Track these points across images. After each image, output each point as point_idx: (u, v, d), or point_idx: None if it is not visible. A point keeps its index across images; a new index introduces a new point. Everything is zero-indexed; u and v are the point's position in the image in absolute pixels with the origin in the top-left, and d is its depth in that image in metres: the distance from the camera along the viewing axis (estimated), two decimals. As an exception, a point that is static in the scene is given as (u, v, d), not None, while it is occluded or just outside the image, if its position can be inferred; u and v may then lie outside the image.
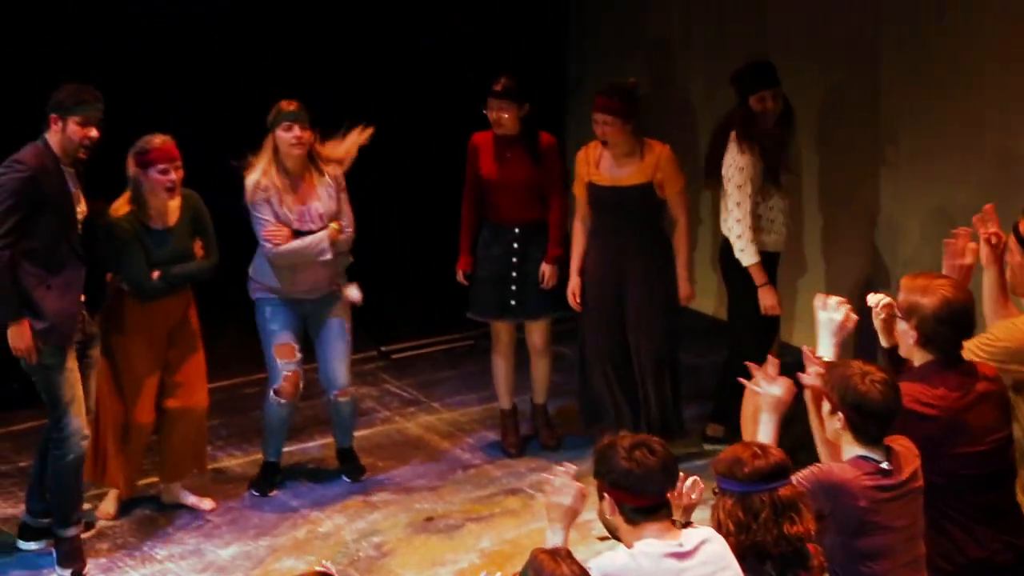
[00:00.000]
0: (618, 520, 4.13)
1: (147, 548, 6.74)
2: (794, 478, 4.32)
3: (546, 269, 7.34)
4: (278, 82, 7.46)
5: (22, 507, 6.80)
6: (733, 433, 7.16)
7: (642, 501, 4.08)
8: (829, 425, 4.61)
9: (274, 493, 7.22)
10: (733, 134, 7.17)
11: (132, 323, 6.69)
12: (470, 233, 7.41)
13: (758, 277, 7.21)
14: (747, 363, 4.81)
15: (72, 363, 6.35)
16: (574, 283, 7.27)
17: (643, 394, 7.34)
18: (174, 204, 6.65)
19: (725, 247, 7.31)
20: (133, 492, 7.00)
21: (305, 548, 6.75)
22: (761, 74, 7.25)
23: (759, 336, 7.25)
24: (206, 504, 7.05)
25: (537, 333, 7.52)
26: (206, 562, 6.64)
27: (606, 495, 4.12)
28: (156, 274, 6.61)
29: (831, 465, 4.58)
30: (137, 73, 8.51)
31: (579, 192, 7.29)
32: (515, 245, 7.35)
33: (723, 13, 8.87)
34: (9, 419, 7.70)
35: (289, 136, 6.83)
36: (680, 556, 4.07)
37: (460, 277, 7.44)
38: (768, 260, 7.29)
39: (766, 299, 7.24)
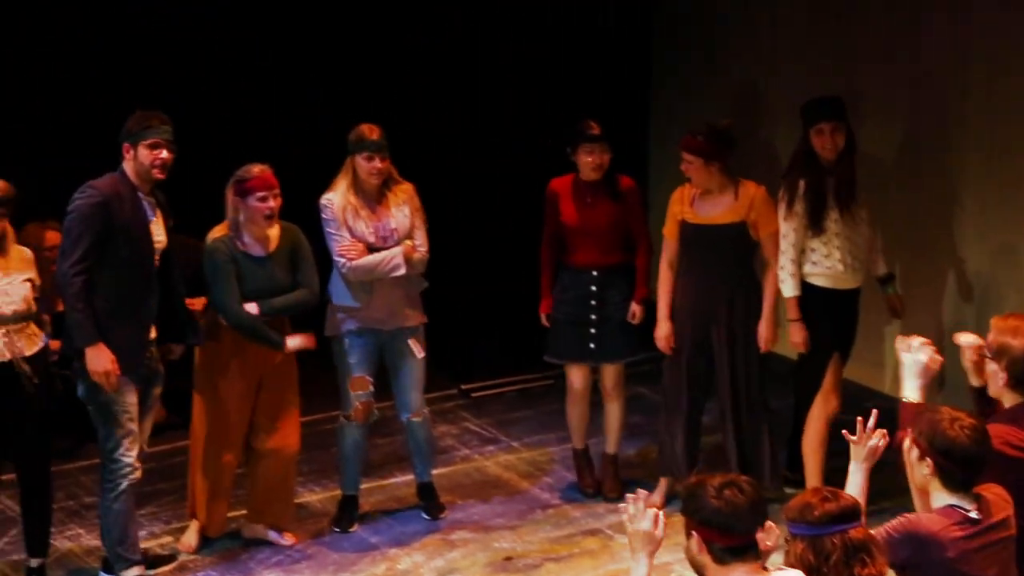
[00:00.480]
0: (706, 559, 4.10)
1: (227, 582, 6.80)
2: (882, 527, 4.28)
3: (636, 309, 7.32)
4: (358, 111, 7.50)
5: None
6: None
7: (731, 540, 4.05)
8: (918, 471, 4.57)
9: (354, 529, 7.25)
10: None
11: (227, 358, 6.75)
12: (551, 276, 7.42)
13: (791, 311, 7.17)
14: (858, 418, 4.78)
15: (132, 397, 6.38)
16: (666, 328, 7.23)
17: (733, 440, 7.29)
18: (273, 233, 6.71)
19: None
20: (222, 529, 7.03)
21: (384, 585, 6.78)
22: (822, 106, 7.19)
23: (810, 375, 7.22)
24: (287, 540, 7.08)
25: (610, 376, 7.50)
26: (285, 597, 6.69)
27: (694, 533, 4.09)
28: (254, 307, 6.65)
29: (920, 515, 4.54)
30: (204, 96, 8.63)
31: (669, 233, 7.26)
32: (594, 288, 7.34)
33: (809, 53, 8.86)
34: (93, 452, 7.76)
35: (369, 166, 6.91)
36: None
37: (544, 320, 7.45)
38: (819, 296, 7.20)
39: (794, 335, 7.19)
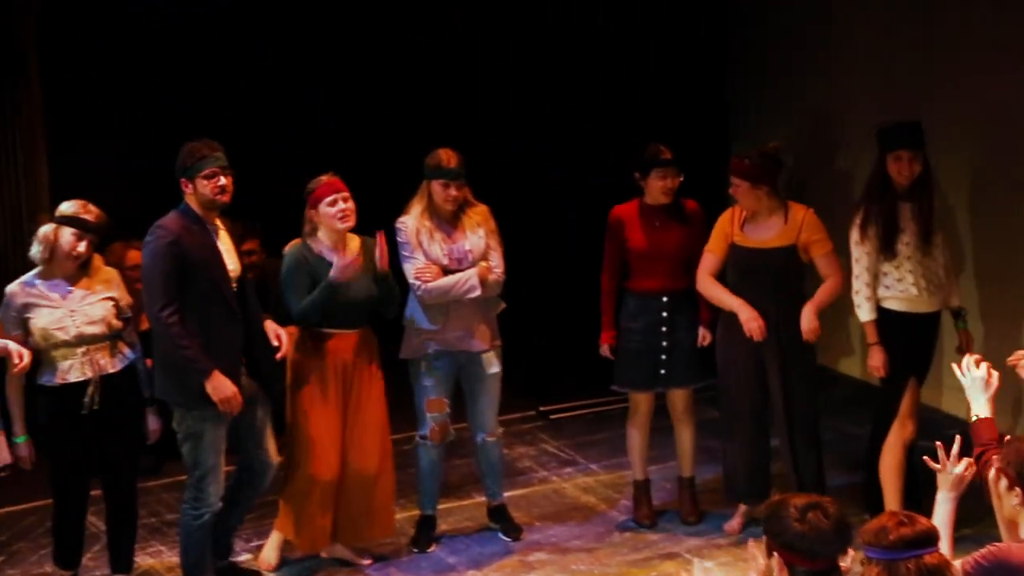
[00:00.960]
0: None
1: (306, 601, 6.84)
2: (971, 556, 4.24)
3: (705, 333, 7.32)
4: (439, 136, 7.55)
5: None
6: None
7: (814, 565, 4.02)
8: (1006, 502, 4.53)
9: (432, 549, 7.28)
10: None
11: (314, 372, 6.78)
12: (612, 306, 7.39)
13: (869, 335, 7.13)
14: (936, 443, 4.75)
15: (220, 430, 6.43)
16: (747, 312, 7.11)
17: (790, 462, 7.26)
18: (353, 245, 6.76)
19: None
20: (323, 545, 7.03)
21: (461, 606, 6.81)
22: (901, 133, 7.14)
23: (887, 400, 7.18)
24: (365, 559, 7.11)
25: (680, 400, 7.47)
26: (365, 616, 6.72)
27: (776, 555, 4.06)
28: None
29: (1010, 545, 4.50)
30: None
31: (716, 249, 7.21)
32: (664, 314, 7.31)
33: (885, 80, 8.81)
34: (175, 470, 7.85)
35: (445, 193, 6.96)
36: None
37: (606, 351, 7.39)
38: (895, 320, 7.15)
39: (872, 359, 7.15)
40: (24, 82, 8.48)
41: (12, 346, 6.06)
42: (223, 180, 6.34)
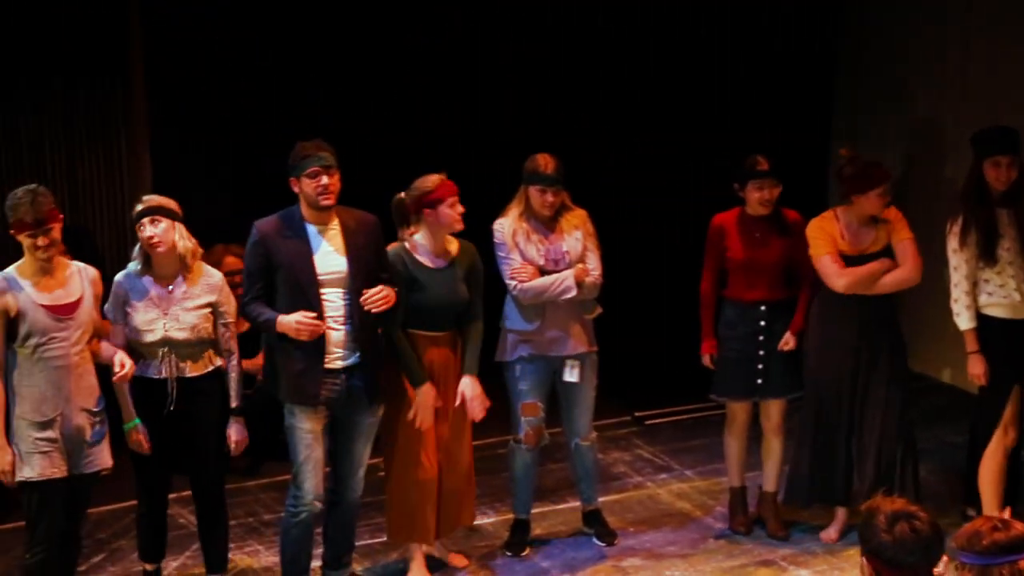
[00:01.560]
0: None
1: (401, 602, 6.88)
2: None
3: (792, 339, 7.23)
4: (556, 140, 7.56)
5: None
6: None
7: (900, 574, 3.98)
8: None
9: (526, 553, 7.29)
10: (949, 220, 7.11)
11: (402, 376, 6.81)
12: (712, 315, 7.34)
13: (969, 343, 7.06)
14: None
15: (311, 424, 6.45)
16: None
17: (881, 468, 7.19)
18: (453, 248, 6.79)
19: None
20: (430, 543, 7.06)
21: (555, 610, 6.81)
22: (998, 138, 7.07)
23: (988, 408, 7.11)
24: (459, 561, 7.13)
25: (775, 410, 7.41)
26: (458, 619, 6.74)
27: (865, 561, 4.02)
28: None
29: None
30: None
31: (832, 250, 7.09)
32: (763, 323, 7.26)
33: (995, 90, 8.70)
34: (271, 470, 7.93)
35: (542, 199, 6.97)
36: None
37: (708, 361, 7.35)
38: (996, 327, 7.07)
39: (974, 366, 7.07)
40: (129, 82, 8.60)
41: (117, 356, 6.16)
42: (325, 179, 6.37)
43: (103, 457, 6.21)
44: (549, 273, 7.01)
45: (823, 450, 7.27)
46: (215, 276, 6.51)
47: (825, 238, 7.13)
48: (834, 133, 9.95)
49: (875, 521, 3.98)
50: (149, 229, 6.32)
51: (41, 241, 5.98)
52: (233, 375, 6.50)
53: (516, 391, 7.16)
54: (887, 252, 7.12)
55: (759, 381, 7.29)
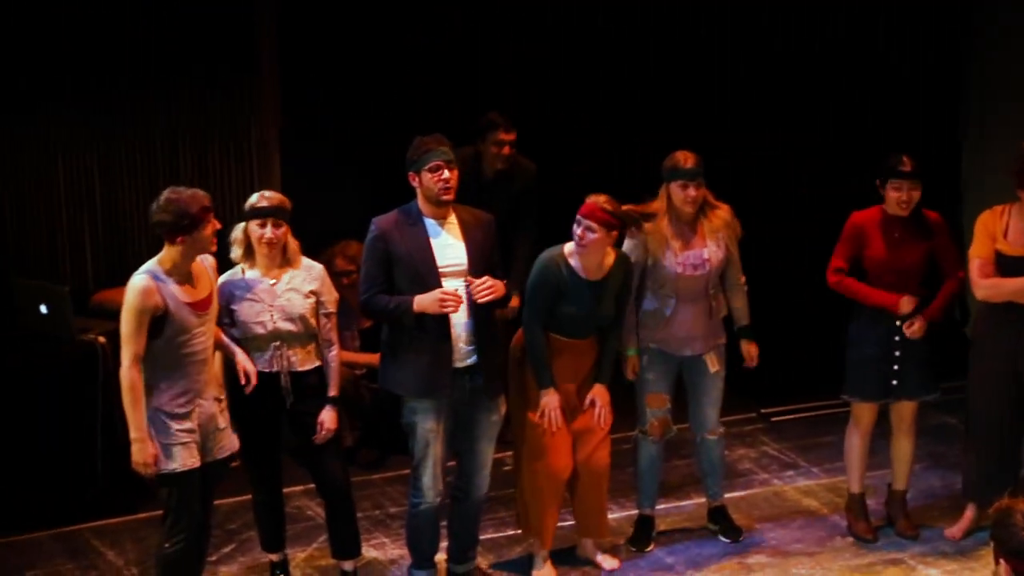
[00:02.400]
0: None
1: (523, 596, 6.89)
2: None
3: (919, 322, 7.02)
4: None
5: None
6: None
7: None
8: None
9: (650, 549, 7.27)
10: None
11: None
12: (859, 283, 7.11)
13: None
14: None
15: (431, 422, 6.48)
16: None
17: None
18: (609, 260, 6.76)
19: None
20: (550, 543, 7.02)
21: (680, 606, 6.79)
22: None
23: None
24: (609, 563, 7.10)
25: (908, 410, 7.30)
26: (579, 613, 6.75)
27: (1002, 561, 3.96)
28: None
29: None
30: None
31: (984, 253, 6.97)
32: (898, 324, 7.15)
33: None
34: (398, 463, 7.99)
35: (683, 194, 6.92)
36: None
37: (907, 304, 7.00)
38: None
39: None
40: (259, 77, 8.71)
41: (241, 363, 6.23)
42: (447, 174, 6.40)
43: (232, 441, 6.30)
44: (687, 280, 6.95)
45: (993, 449, 7.14)
46: (316, 267, 6.57)
47: (984, 237, 6.99)
48: (958, 136, 9.78)
49: (1012, 521, 3.91)
50: (270, 231, 6.40)
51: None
52: (333, 365, 6.55)
53: (642, 382, 7.14)
54: None
55: (893, 382, 7.19)
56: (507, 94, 9.18)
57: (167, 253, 6.02)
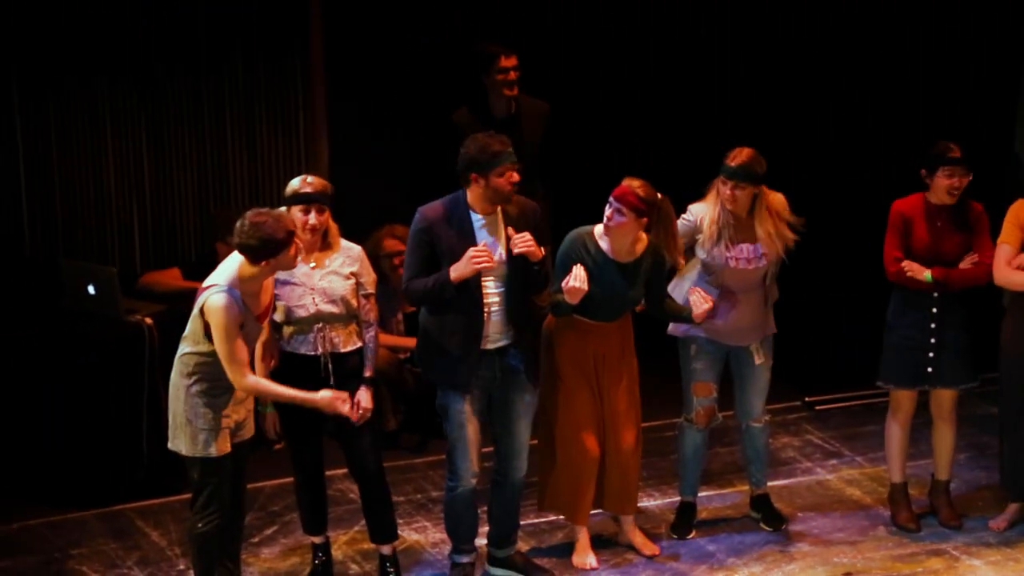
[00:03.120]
0: None
1: (561, 580, 6.90)
2: None
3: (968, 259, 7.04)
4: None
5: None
6: None
7: None
8: None
9: (692, 536, 7.26)
10: None
11: (566, 354, 6.81)
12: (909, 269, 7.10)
13: None
14: None
15: (464, 405, 6.51)
16: None
17: None
18: (640, 245, 6.75)
19: None
20: (583, 522, 7.02)
21: (720, 594, 6.78)
22: None
23: None
24: (649, 549, 7.09)
25: (947, 399, 7.26)
26: (622, 600, 6.74)
27: None
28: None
29: None
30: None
31: (1013, 240, 6.96)
32: (935, 311, 7.10)
33: None
34: (438, 447, 7.99)
35: (724, 190, 6.88)
36: None
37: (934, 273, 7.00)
38: None
39: None
40: (308, 62, 8.74)
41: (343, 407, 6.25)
42: (516, 177, 6.42)
43: (252, 424, 6.33)
44: (741, 273, 6.92)
45: (1014, 439, 7.13)
46: (355, 248, 6.57)
47: (1013, 226, 6.98)
48: (1017, 129, 9.70)
49: None
50: (314, 217, 6.40)
51: (294, 251, 6.05)
52: (371, 345, 6.57)
53: (689, 370, 7.13)
54: None
55: (929, 370, 7.15)
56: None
57: (246, 270, 6.04)
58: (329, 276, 6.47)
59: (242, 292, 6.03)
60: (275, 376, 6.38)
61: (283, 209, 6.41)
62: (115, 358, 7.65)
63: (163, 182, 8.73)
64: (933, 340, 7.12)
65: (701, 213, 6.95)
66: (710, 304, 6.73)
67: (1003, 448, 7.29)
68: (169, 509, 7.58)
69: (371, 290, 6.57)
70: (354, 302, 6.50)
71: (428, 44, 9.21)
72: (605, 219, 6.65)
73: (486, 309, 6.46)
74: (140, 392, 7.62)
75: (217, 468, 6.14)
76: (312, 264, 6.46)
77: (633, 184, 6.61)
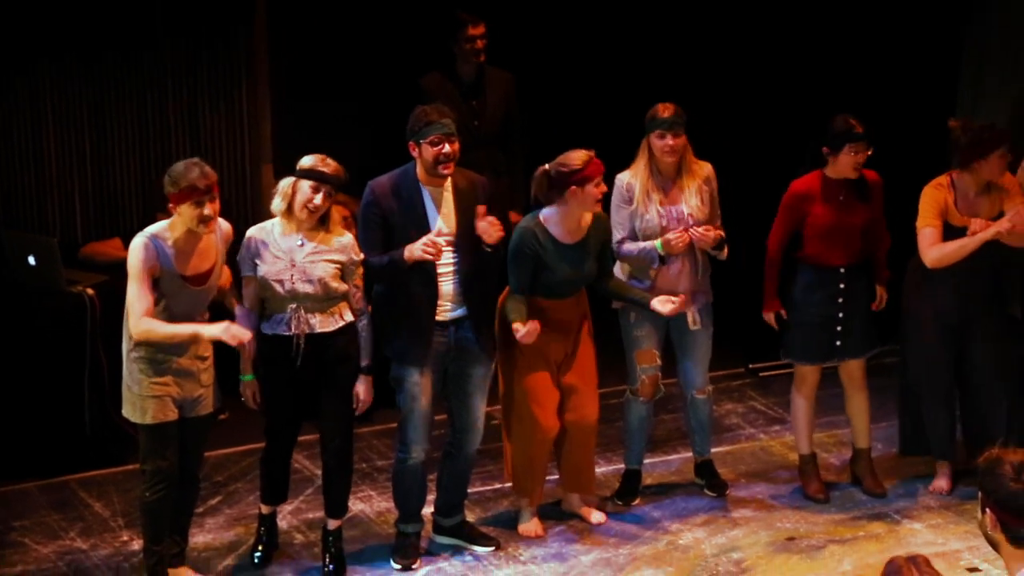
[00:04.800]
0: (1000, 537, 3.95)
1: (511, 549, 6.89)
2: None
3: (882, 292, 7.21)
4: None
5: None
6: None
7: None
8: None
9: (637, 503, 7.30)
10: None
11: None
12: (777, 276, 7.22)
13: None
14: None
15: (417, 377, 6.50)
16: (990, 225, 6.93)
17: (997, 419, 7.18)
18: (585, 221, 6.75)
19: None
20: (541, 499, 7.06)
21: (664, 559, 6.79)
22: None
23: None
24: (596, 517, 7.11)
25: (857, 368, 7.33)
26: (567, 566, 6.75)
27: (988, 511, 3.95)
28: None
29: None
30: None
31: (935, 224, 7.02)
32: (842, 286, 7.16)
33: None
34: (387, 417, 7.99)
35: (662, 144, 6.90)
36: None
37: (771, 320, 7.24)
38: None
39: None
40: (251, 37, 8.69)
41: (229, 332, 6.10)
42: (447, 148, 6.39)
43: (210, 401, 6.31)
44: (670, 231, 6.92)
45: (939, 403, 7.26)
46: (347, 237, 6.49)
47: (933, 208, 7.04)
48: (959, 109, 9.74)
49: (1000, 471, 3.89)
50: (321, 199, 6.31)
51: (208, 209, 6.00)
52: (364, 334, 6.52)
53: (630, 339, 7.15)
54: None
55: (838, 343, 7.21)
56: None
57: (169, 220, 6.07)
58: (312, 256, 6.38)
59: (169, 244, 6.01)
60: (257, 359, 6.39)
61: (289, 180, 6.35)
62: (56, 329, 7.61)
63: (105, 155, 8.65)
64: (842, 314, 7.17)
65: (628, 179, 6.97)
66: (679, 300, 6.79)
67: (908, 415, 7.43)
68: (112, 480, 7.55)
69: (359, 281, 6.52)
70: (334, 284, 6.40)
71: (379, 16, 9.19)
72: (597, 195, 6.64)
73: (440, 280, 6.47)
74: (82, 363, 7.58)
75: (157, 435, 6.12)
76: (300, 242, 6.39)
77: (591, 154, 6.63)
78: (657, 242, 6.91)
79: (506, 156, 8.52)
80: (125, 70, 8.57)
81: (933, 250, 6.99)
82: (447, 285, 6.51)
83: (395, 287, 6.47)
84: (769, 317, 7.26)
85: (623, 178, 6.99)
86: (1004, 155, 6.94)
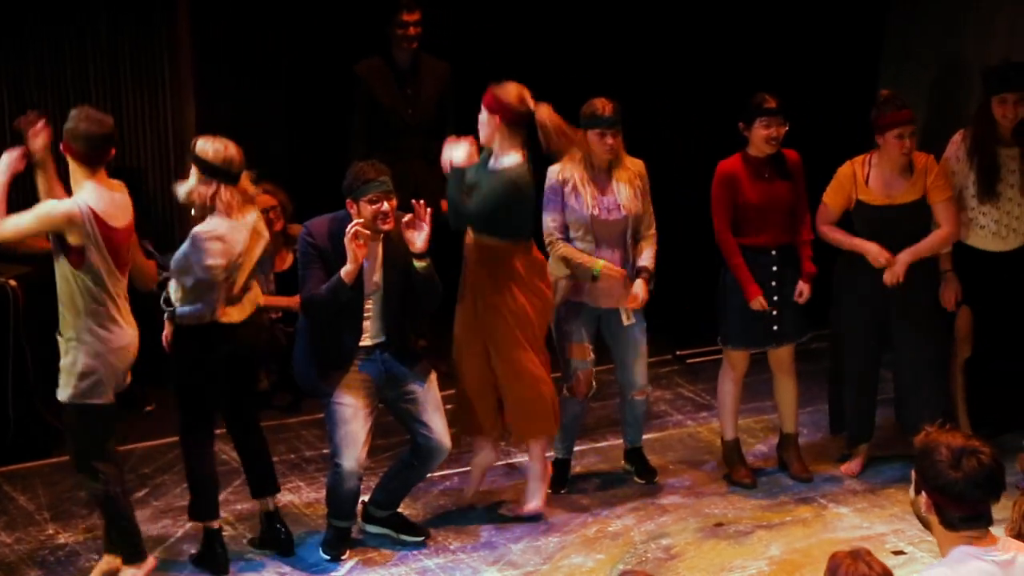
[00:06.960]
0: (933, 519, 3.98)
1: (441, 539, 6.89)
2: None
3: (804, 288, 7.18)
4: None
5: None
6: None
7: (963, 511, 3.92)
8: None
9: (565, 491, 7.31)
10: (960, 132, 7.25)
11: (468, 272, 6.82)
12: (743, 260, 7.14)
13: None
14: None
15: (350, 398, 6.49)
16: (878, 249, 7.07)
17: (933, 402, 7.25)
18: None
19: None
20: (491, 437, 7.01)
21: (594, 546, 6.81)
22: (1008, 75, 7.10)
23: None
24: (530, 506, 7.03)
25: (787, 353, 7.36)
26: (497, 554, 6.76)
27: (924, 494, 3.96)
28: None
29: None
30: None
31: (835, 204, 7.15)
32: (774, 268, 7.19)
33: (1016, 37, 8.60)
34: (313, 407, 7.96)
35: (601, 142, 6.91)
36: (1002, 565, 3.93)
37: (764, 303, 7.13)
38: (976, 257, 7.28)
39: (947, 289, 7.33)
40: (173, 21, 8.60)
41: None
42: (386, 206, 6.42)
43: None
44: (602, 223, 6.95)
45: (861, 388, 7.35)
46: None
47: (836, 183, 7.15)
48: (881, 81, 9.81)
49: (938, 456, 3.89)
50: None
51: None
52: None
53: (562, 332, 7.14)
54: (919, 205, 7.07)
55: (775, 328, 7.24)
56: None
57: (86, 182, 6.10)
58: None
59: (96, 204, 6.00)
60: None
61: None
62: (-22, 321, 7.51)
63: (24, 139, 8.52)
64: (776, 298, 7.19)
65: (562, 172, 6.96)
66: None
67: (836, 396, 7.51)
68: (38, 473, 7.46)
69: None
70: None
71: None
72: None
73: (365, 319, 6.55)
74: (5, 355, 7.48)
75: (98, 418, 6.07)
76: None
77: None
78: (598, 265, 6.92)
79: (439, 145, 8.45)
80: (46, 57, 8.45)
81: (823, 228, 7.19)
82: (369, 322, 6.58)
83: (333, 326, 6.51)
84: (758, 302, 7.13)
85: (556, 171, 6.99)
86: (901, 136, 6.96)
